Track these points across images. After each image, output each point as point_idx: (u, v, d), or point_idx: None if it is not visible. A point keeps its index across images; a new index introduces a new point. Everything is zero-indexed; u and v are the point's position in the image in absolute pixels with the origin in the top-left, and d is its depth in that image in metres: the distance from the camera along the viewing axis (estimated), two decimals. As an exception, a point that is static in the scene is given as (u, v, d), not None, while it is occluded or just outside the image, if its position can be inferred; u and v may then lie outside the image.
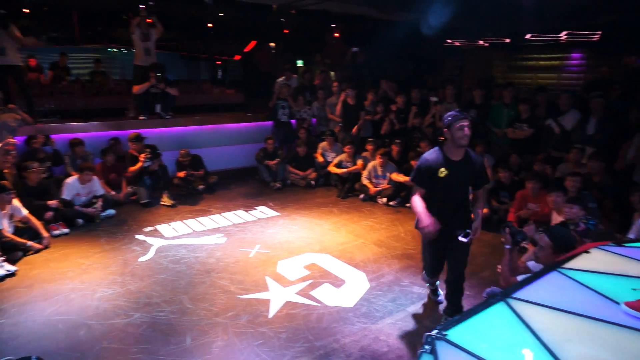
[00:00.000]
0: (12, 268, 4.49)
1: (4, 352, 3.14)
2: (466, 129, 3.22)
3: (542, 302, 1.90)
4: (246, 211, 6.58)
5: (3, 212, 4.90)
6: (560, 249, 2.90)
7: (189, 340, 3.42)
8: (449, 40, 10.29)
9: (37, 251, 5.01)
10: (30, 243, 4.99)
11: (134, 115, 8.06)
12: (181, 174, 7.39)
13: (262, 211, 6.63)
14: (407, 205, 6.78)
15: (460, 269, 3.57)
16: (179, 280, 4.38)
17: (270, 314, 3.78)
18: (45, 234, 5.22)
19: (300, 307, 3.90)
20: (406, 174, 6.92)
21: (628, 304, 1.83)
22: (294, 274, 4.53)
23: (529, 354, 1.65)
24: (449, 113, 3.34)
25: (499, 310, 1.86)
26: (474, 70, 10.80)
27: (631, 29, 7.13)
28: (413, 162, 6.84)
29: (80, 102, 8.62)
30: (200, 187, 7.48)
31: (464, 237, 3.30)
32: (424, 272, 3.92)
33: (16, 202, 5.10)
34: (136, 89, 7.80)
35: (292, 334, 3.50)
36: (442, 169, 3.30)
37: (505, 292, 1.99)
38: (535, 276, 2.16)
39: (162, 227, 5.86)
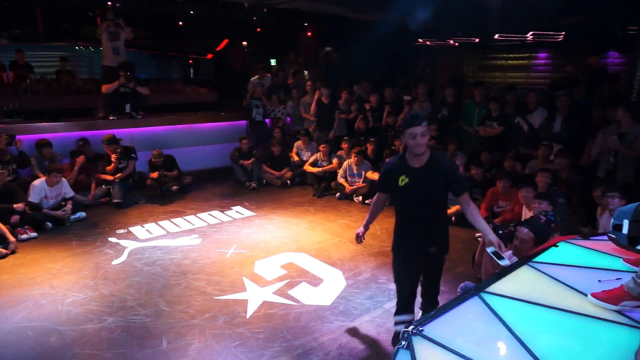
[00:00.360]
0: (-24, 275, 4.32)
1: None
2: (419, 137, 2.79)
3: (514, 295, 1.97)
4: (222, 211, 6.53)
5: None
6: (540, 242, 3.01)
7: (165, 343, 3.38)
8: (420, 40, 10.43)
9: (3, 256, 4.84)
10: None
11: (104, 116, 7.86)
12: (154, 174, 7.27)
13: (238, 211, 6.58)
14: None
15: (435, 295, 3.41)
16: (153, 283, 4.32)
17: (248, 315, 3.76)
18: (11, 238, 5.05)
19: (278, 306, 3.90)
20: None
21: (594, 295, 1.92)
22: (271, 273, 4.53)
23: (502, 347, 1.70)
24: (405, 117, 3.03)
25: (473, 304, 1.92)
26: (445, 70, 10.99)
27: (593, 30, 7.41)
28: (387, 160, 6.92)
29: (46, 102, 8.33)
30: (174, 187, 7.37)
31: (497, 258, 2.63)
32: (396, 315, 3.32)
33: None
34: (105, 88, 7.63)
35: (270, 333, 3.50)
36: (403, 177, 3.00)
37: (478, 286, 2.05)
38: (507, 270, 2.23)
39: (135, 229, 5.74)
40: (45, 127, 7.17)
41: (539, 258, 2.35)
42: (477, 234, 5.54)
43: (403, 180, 3.01)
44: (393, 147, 7.32)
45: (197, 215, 6.36)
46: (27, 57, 10.09)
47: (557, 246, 2.48)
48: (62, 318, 3.70)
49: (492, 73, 10.76)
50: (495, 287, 2.05)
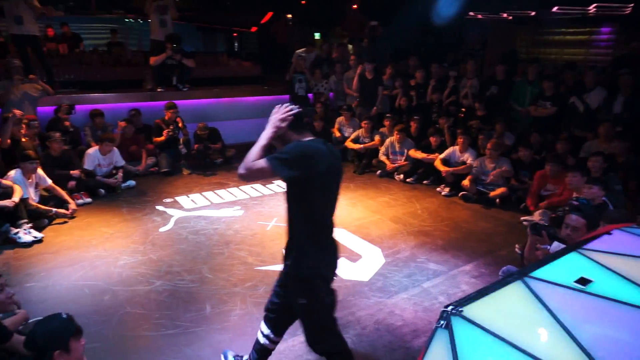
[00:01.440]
0: (38, 235, 4.66)
1: (33, 314, 3.29)
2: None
3: (560, 282, 1.92)
4: (263, 185, 6.66)
5: (29, 181, 5.04)
6: (592, 228, 2.91)
7: (209, 308, 3.55)
8: (471, 13, 10.01)
9: (65, 217, 5.19)
10: (56, 210, 5.15)
11: (152, 87, 8.11)
12: (199, 146, 7.47)
13: (279, 185, 6.69)
14: (425, 182, 6.79)
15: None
16: (198, 251, 4.51)
17: (288, 286, 3.87)
18: (71, 201, 5.37)
19: (316, 280, 3.98)
20: (424, 151, 6.90)
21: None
22: (310, 247, 4.60)
23: (545, 333, 1.68)
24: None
25: (516, 288, 1.89)
26: (496, 45, 10.53)
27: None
28: (432, 139, 6.80)
29: (98, 73, 8.70)
30: (218, 160, 7.57)
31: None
32: None
33: (41, 171, 5.25)
34: (152, 60, 7.83)
35: (308, 305, 3.59)
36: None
37: (522, 270, 2.02)
38: (554, 256, 2.18)
39: (181, 199, 5.98)
40: (97, 98, 7.49)
41: (589, 245, 2.27)
42: (522, 218, 5.40)
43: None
44: (437, 125, 7.16)
45: (240, 187, 6.53)
46: (80, 29, 10.50)
47: (610, 234, 2.39)
48: (114, 279, 3.95)
49: (547, 49, 10.23)
50: (541, 272, 2.00)
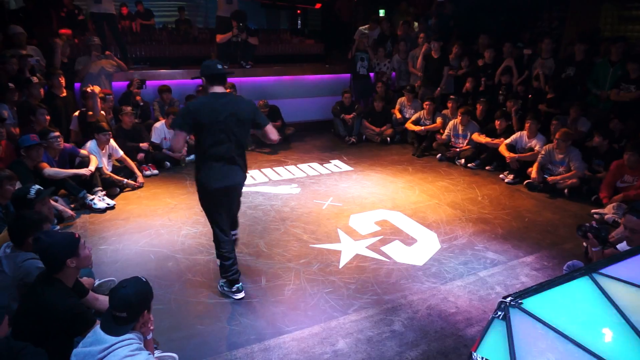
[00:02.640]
0: (111, 202, 5.03)
1: (106, 273, 3.59)
2: None
3: (632, 280, 1.81)
4: (320, 164, 6.72)
5: (102, 151, 5.42)
6: None
7: (264, 281, 3.68)
8: (550, -12, 9.32)
9: (134, 188, 5.54)
10: (126, 180, 5.51)
11: (216, 64, 8.33)
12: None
13: (336, 165, 6.73)
14: (487, 168, 6.55)
15: None
16: (255, 226, 4.67)
17: (341, 265, 3.93)
18: (139, 174, 5.73)
19: (370, 260, 4.01)
20: (488, 135, 6.63)
21: None
22: (365, 228, 4.63)
23: (611, 333, 1.60)
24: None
25: (582, 284, 1.80)
26: (577, 22, 9.73)
27: None
28: (497, 122, 6.51)
29: (167, 50, 9.05)
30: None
31: None
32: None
33: (114, 143, 5.61)
34: (219, 38, 8.02)
35: (361, 285, 3.63)
36: None
37: (590, 266, 1.91)
38: (626, 254, 2.04)
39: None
40: (166, 74, 7.83)
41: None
42: (592, 210, 5.08)
43: None
44: (504, 109, 6.83)
45: (297, 165, 6.63)
46: (150, 6, 10.93)
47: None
48: (177, 247, 4.19)
49: (635, 26, 9.32)
50: (611, 269, 1.89)
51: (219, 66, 3.21)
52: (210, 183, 3.25)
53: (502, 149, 6.25)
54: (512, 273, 3.86)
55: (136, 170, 5.74)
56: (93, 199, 4.93)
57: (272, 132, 3.38)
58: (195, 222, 4.71)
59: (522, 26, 9.45)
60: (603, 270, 1.88)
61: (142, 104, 7.07)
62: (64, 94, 6.14)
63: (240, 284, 3.48)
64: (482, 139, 6.65)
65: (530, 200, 5.52)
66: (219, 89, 3.21)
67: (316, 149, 7.58)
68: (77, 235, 2.58)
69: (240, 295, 3.44)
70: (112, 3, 7.44)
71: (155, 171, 6.12)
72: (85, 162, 5.09)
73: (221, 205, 3.40)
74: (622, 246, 3.14)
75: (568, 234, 4.56)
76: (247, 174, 3.50)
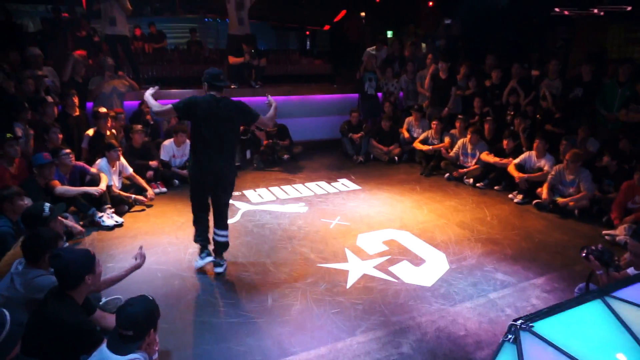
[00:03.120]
0: (119, 220, 5.05)
1: (113, 291, 3.58)
2: None
3: (647, 304, 1.76)
4: (328, 183, 6.73)
5: (112, 169, 5.47)
6: None
7: (270, 300, 3.65)
8: (557, 9, 9.36)
9: (143, 204, 5.58)
10: (134, 196, 5.54)
11: (226, 84, 8.43)
12: (267, 142, 7.68)
13: (344, 184, 6.72)
14: (496, 188, 6.51)
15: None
16: (262, 244, 4.65)
17: (348, 285, 3.89)
18: (149, 190, 5.76)
19: (377, 281, 3.97)
20: (497, 155, 6.60)
21: None
22: (372, 248, 4.59)
23: (625, 357, 1.55)
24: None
25: (595, 307, 1.76)
26: (583, 43, 9.77)
27: None
28: (506, 142, 6.49)
29: (178, 70, 9.20)
30: (285, 156, 7.74)
31: None
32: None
33: (124, 160, 5.67)
34: (232, 60, 8.13)
35: (368, 306, 3.58)
36: None
37: (603, 289, 1.87)
38: (639, 277, 2.00)
39: (248, 193, 6.20)
40: (177, 93, 7.92)
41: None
42: (604, 232, 5.01)
43: None
44: (512, 128, 6.81)
45: (305, 184, 6.64)
46: (163, 28, 11.17)
47: None
48: (184, 265, 4.18)
49: (643, 48, 9.33)
50: (623, 292, 1.85)
51: (221, 77, 3.85)
52: (194, 170, 3.86)
53: (511, 169, 6.21)
54: (523, 295, 3.79)
55: (146, 186, 5.78)
56: (102, 216, 4.96)
57: (266, 121, 4.10)
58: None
59: (528, 46, 9.48)
60: (615, 293, 1.84)
61: (152, 122, 7.16)
62: (77, 113, 6.24)
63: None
64: (490, 158, 6.62)
65: (540, 221, 5.46)
66: (216, 94, 3.82)
67: (324, 167, 7.59)
68: (92, 252, 2.60)
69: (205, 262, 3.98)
70: (127, 25, 7.63)
71: (164, 189, 6.16)
72: (95, 180, 5.14)
73: (202, 190, 3.97)
74: (632, 270, 3.08)
75: (578, 256, 4.46)
76: (233, 168, 4.01)
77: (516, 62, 7.68)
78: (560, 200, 5.62)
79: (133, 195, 5.55)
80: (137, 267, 3.27)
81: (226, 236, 4.11)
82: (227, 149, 3.83)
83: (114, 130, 6.10)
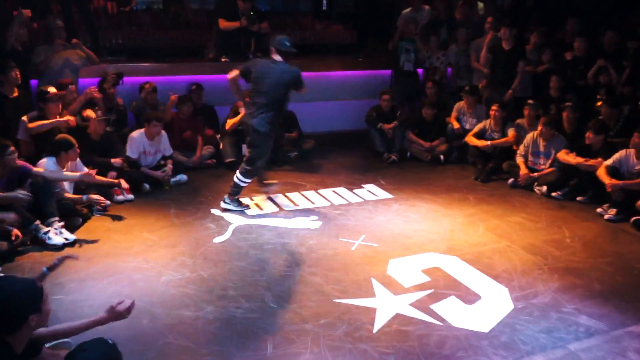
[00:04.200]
0: (70, 236, 5.10)
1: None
2: None
3: None
4: (349, 189, 6.72)
5: (63, 170, 5.54)
6: None
7: (271, 348, 3.63)
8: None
9: (102, 209, 5.71)
10: (88, 196, 5.56)
11: (215, 56, 8.51)
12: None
13: (371, 191, 6.71)
14: (579, 198, 6.46)
15: None
16: (260, 271, 4.65)
17: (375, 328, 3.86)
18: (115, 182, 5.94)
19: (415, 323, 3.93)
20: (581, 154, 6.51)
21: None
22: (409, 278, 4.57)
23: None
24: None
25: None
26: None
27: None
28: (589, 135, 6.39)
29: (151, 38, 9.30)
30: (292, 153, 7.76)
31: None
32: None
33: (78, 160, 5.74)
34: (223, 24, 8.17)
35: (402, 357, 3.56)
36: None
37: None
38: None
39: (243, 202, 6.20)
40: (147, 69, 8.02)
41: None
42: None
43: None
44: (600, 117, 6.73)
45: (318, 191, 6.64)
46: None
47: None
48: (155, 299, 4.20)
49: None
50: None
51: (287, 43, 5.66)
52: (246, 119, 5.89)
53: (601, 173, 6.13)
54: (617, 347, 3.72)
55: (111, 181, 5.94)
56: (47, 232, 5.01)
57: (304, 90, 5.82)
58: (181, 264, 4.73)
59: (623, 8, 9.37)
60: None
61: (121, 108, 7.24)
62: (16, 94, 6.30)
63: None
64: (571, 158, 6.55)
65: (641, 245, 5.38)
66: (277, 57, 5.65)
67: (344, 168, 7.59)
68: (40, 284, 2.57)
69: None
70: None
71: (130, 196, 6.21)
72: (38, 185, 5.17)
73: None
74: None
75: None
76: (267, 124, 5.66)
77: (608, 28, 7.60)
78: None
79: (85, 195, 5.57)
80: (108, 321, 3.01)
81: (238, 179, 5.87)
82: (273, 108, 5.67)
83: (70, 118, 6.10)
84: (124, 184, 6.09)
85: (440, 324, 3.94)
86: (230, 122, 7.42)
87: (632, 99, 6.94)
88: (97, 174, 5.85)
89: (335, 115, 9.04)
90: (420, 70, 8.80)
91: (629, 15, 8.96)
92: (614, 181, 5.99)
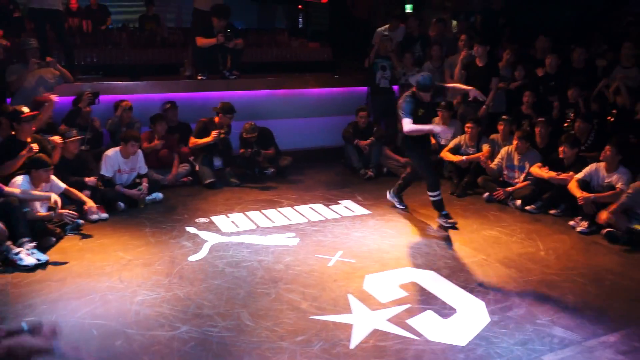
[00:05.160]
0: (43, 257, 5.01)
1: (31, 356, 3.53)
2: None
3: None
4: (326, 205, 6.74)
5: (37, 189, 5.46)
6: None
7: (247, 366, 3.61)
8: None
9: (75, 226, 5.65)
10: (59, 211, 5.41)
11: (190, 74, 8.52)
12: (244, 151, 7.71)
13: (348, 207, 6.73)
14: (552, 211, 6.54)
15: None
16: (236, 289, 4.62)
17: (352, 344, 3.84)
18: (87, 201, 5.82)
19: (392, 338, 3.93)
20: (554, 168, 6.61)
21: None
22: (386, 294, 4.57)
23: None
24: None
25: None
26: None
27: None
28: (565, 149, 6.49)
29: (127, 56, 9.30)
30: (269, 170, 7.76)
31: None
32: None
33: (54, 178, 5.68)
34: (200, 41, 8.18)
35: (379, 373, 3.55)
36: (421, 109, 5.98)
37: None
38: None
39: (218, 219, 6.19)
40: (122, 87, 7.99)
41: None
42: None
43: (421, 112, 6.01)
44: (572, 132, 6.85)
45: (295, 207, 6.64)
46: (107, 2, 11.29)
47: None
48: (130, 319, 4.13)
49: None
50: None
51: (429, 82, 5.90)
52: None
53: (572, 187, 6.23)
54: (590, 358, 3.75)
55: (85, 199, 5.84)
56: (18, 252, 4.92)
57: None
58: (156, 283, 4.68)
59: (592, 25, 9.62)
60: None
61: (100, 129, 7.19)
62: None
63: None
64: (544, 172, 6.64)
65: (613, 257, 5.45)
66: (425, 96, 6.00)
67: (321, 185, 7.61)
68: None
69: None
70: (60, -4, 7.71)
71: (105, 215, 6.15)
72: (9, 205, 5.10)
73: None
74: None
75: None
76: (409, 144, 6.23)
77: (578, 45, 7.77)
78: (637, 227, 5.63)
79: (54, 211, 5.43)
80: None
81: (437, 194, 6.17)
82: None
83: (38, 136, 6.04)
84: (90, 203, 5.90)
85: (417, 338, 3.94)
86: (195, 142, 7.45)
87: (600, 115, 7.08)
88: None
89: (312, 132, 9.08)
90: (396, 87, 8.88)
91: (594, 32, 9.20)
92: (585, 194, 6.08)
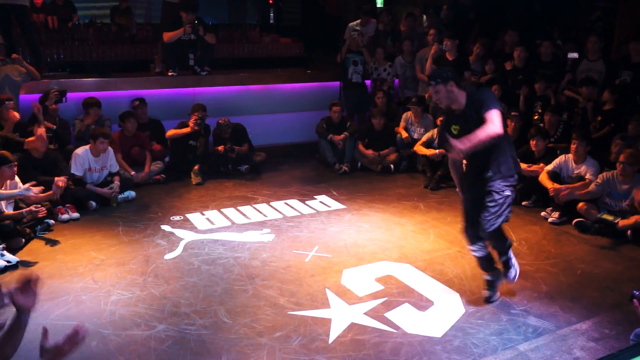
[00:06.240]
0: (13, 259, 4.90)
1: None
2: (434, 95, 4.17)
3: None
4: (302, 201, 6.73)
5: (1, 189, 5.33)
6: None
7: (225, 364, 3.59)
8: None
9: (44, 226, 5.55)
10: (28, 208, 5.31)
11: (161, 70, 8.40)
12: (219, 148, 7.65)
13: (323, 202, 6.74)
14: (524, 203, 6.65)
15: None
16: (213, 286, 4.59)
17: (331, 339, 3.86)
18: (56, 189, 5.55)
19: (370, 332, 3.95)
20: (525, 160, 6.67)
21: None
22: (363, 287, 4.59)
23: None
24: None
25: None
26: (631, 16, 10.13)
27: None
28: (537, 142, 6.58)
29: (94, 52, 9.10)
30: (244, 166, 7.71)
31: None
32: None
33: (17, 179, 5.53)
34: (167, 36, 8.07)
35: (358, 367, 3.56)
36: (454, 126, 4.11)
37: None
38: None
39: (193, 217, 6.13)
40: (91, 84, 7.84)
41: None
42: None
43: (455, 129, 4.07)
44: (541, 124, 6.96)
45: (271, 203, 6.62)
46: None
47: None
48: (104, 319, 4.08)
49: None
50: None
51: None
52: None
53: (543, 179, 6.32)
54: (563, 345, 3.83)
55: (49, 194, 5.59)
56: (-13, 254, 4.82)
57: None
58: (130, 283, 4.62)
59: (559, 19, 9.78)
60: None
61: (64, 125, 7.04)
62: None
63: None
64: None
65: (583, 246, 5.56)
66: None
67: (296, 180, 7.59)
68: None
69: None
70: (25, -9, 7.52)
71: (76, 214, 6.04)
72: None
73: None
74: None
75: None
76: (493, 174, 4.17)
77: (545, 38, 7.89)
78: (606, 216, 5.74)
79: (25, 209, 5.34)
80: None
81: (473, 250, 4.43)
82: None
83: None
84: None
85: (395, 331, 3.98)
86: (175, 132, 7.48)
87: (569, 107, 7.20)
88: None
89: (285, 128, 9.05)
90: (368, 82, 8.91)
91: (564, 24, 9.35)
92: (556, 185, 6.19)
